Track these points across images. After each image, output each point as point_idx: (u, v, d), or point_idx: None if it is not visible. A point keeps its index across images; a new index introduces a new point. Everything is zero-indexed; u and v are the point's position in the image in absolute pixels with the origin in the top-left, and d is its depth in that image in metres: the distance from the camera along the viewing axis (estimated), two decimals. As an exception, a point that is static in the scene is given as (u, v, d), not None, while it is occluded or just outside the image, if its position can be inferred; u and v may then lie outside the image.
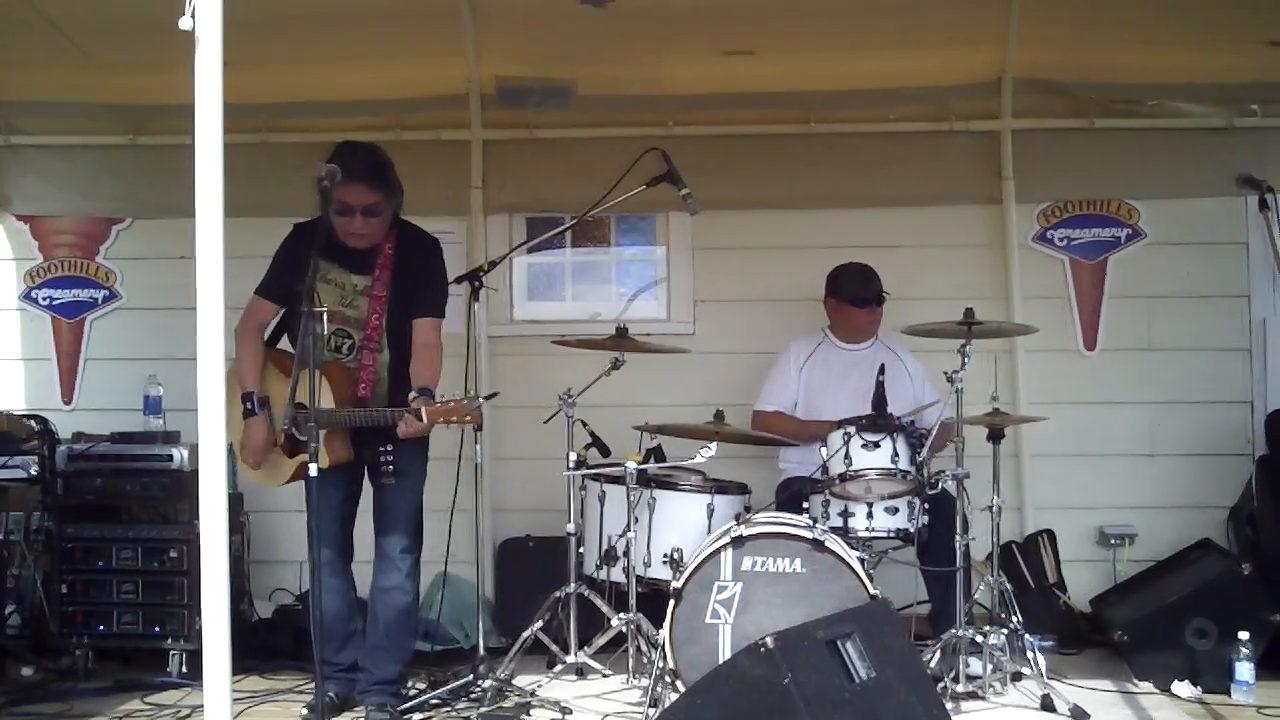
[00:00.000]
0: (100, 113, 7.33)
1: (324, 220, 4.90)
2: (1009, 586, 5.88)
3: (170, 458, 6.36)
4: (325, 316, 4.97)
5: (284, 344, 5.55)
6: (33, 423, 6.75)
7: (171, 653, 6.23)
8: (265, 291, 5.38)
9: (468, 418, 4.94)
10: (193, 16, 3.83)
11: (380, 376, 5.36)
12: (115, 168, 7.49)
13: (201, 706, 3.93)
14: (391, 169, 5.33)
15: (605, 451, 6.05)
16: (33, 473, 6.54)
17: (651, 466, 5.75)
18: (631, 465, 5.65)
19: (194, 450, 5.74)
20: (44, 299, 7.60)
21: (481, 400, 5.00)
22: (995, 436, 5.88)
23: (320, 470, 4.47)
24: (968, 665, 5.51)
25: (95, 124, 7.42)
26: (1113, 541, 7.07)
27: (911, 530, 5.69)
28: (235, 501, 6.43)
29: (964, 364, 5.56)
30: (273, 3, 5.83)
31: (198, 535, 3.98)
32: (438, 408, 4.95)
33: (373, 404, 5.27)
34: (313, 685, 5.18)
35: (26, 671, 6.18)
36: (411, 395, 5.12)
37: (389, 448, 5.19)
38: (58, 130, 7.47)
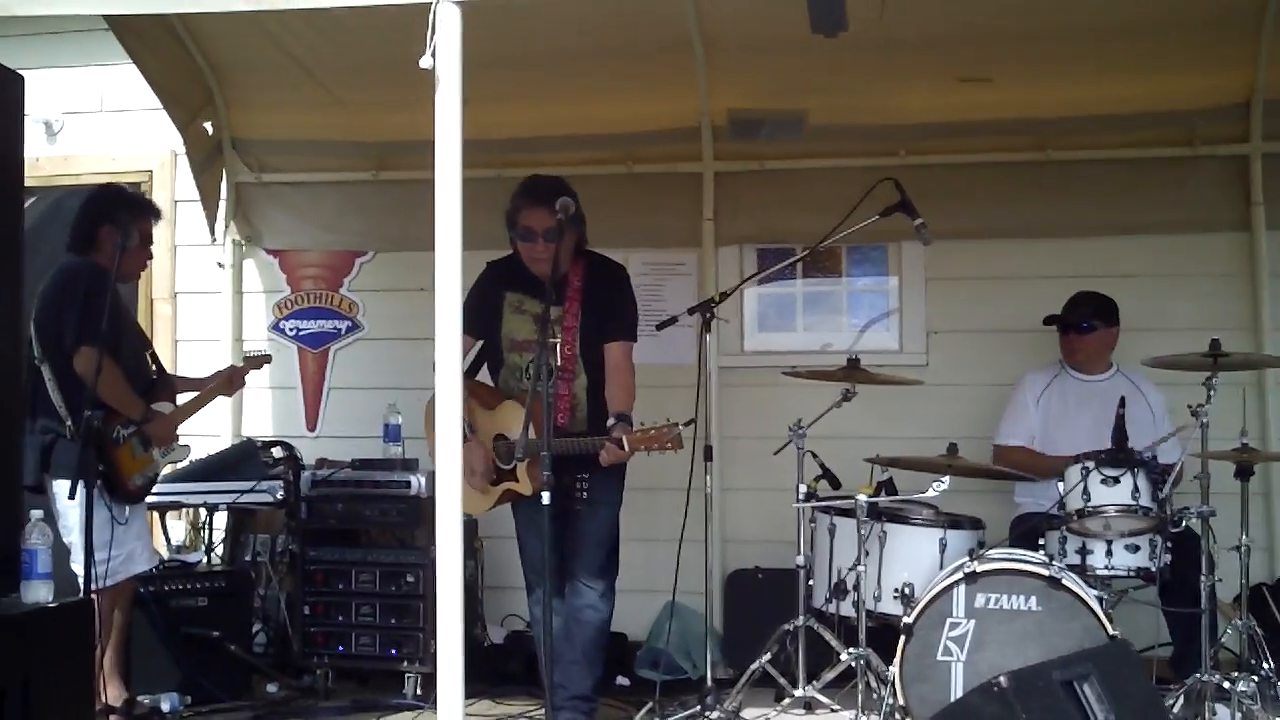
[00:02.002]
0: (345, 150, 7.57)
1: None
2: (1259, 631, 5.61)
3: (408, 484, 6.50)
4: (555, 349, 5.09)
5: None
6: (279, 449, 7.05)
7: (407, 675, 6.37)
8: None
9: (668, 444, 4.97)
10: (433, 56, 3.94)
11: (579, 401, 5.45)
12: (358, 203, 7.71)
13: (436, 729, 4.02)
14: (575, 200, 5.27)
15: (836, 484, 6.00)
16: (279, 497, 6.80)
17: (883, 499, 5.68)
18: (863, 498, 5.58)
19: (431, 477, 5.88)
20: (291, 330, 7.86)
21: (681, 427, 5.02)
22: (1243, 473, 5.63)
23: (527, 498, 4.49)
24: (1214, 712, 5.28)
25: (340, 161, 7.65)
26: (1375, 588, 6.71)
27: (1153, 569, 5.50)
28: (470, 528, 6.56)
29: (1209, 397, 5.36)
30: (509, 42, 5.94)
31: (434, 560, 4.06)
32: (638, 435, 5.02)
33: (571, 429, 5.35)
34: (543, 712, 5.24)
35: (271, 688, 6.39)
36: (610, 423, 5.20)
37: (585, 475, 5.29)
38: (305, 167, 7.73)
